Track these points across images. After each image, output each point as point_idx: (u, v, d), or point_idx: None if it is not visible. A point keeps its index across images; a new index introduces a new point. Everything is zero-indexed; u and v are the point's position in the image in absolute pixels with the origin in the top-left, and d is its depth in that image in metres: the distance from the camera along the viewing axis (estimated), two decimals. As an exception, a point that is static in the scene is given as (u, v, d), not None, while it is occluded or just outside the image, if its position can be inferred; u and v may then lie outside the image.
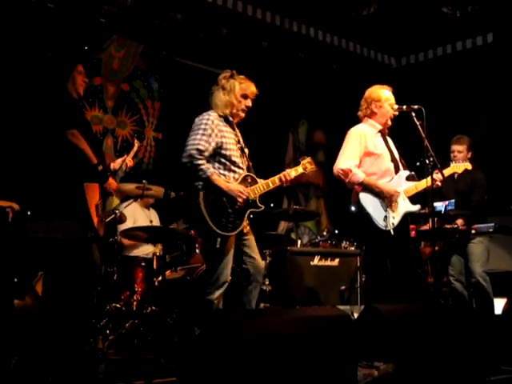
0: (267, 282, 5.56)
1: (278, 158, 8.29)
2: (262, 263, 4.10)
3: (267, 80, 4.36)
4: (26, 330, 3.79)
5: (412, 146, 4.67)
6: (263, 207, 4.01)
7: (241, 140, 4.10)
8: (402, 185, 4.44)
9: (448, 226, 5.34)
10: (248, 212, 3.95)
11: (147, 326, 4.66)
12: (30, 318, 3.88)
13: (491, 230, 5.31)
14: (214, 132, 3.91)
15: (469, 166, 4.92)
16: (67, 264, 3.81)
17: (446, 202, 5.43)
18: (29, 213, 4.06)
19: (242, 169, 4.03)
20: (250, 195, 3.94)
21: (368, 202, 4.32)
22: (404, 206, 4.39)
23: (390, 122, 4.55)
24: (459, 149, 5.49)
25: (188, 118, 6.74)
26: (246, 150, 4.11)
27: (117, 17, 6.42)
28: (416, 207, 4.46)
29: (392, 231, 4.27)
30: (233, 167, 3.98)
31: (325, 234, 6.95)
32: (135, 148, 4.68)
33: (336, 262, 5.65)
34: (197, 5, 6.81)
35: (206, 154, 3.86)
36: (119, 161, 4.56)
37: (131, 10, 6.43)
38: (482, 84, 7.91)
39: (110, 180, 4.29)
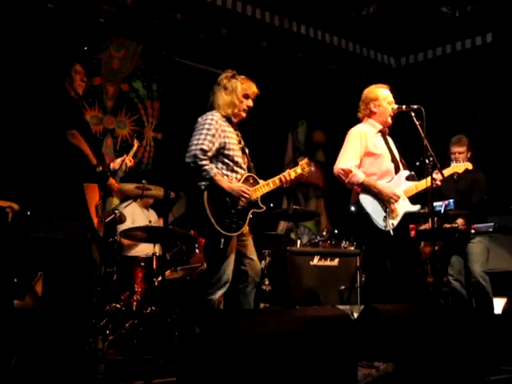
0: (267, 282, 5.56)
1: (278, 158, 8.29)
2: (259, 264, 4.12)
3: (267, 80, 4.36)
4: (26, 330, 3.79)
5: (412, 145, 4.67)
6: (265, 208, 4.03)
7: (242, 140, 4.11)
8: (402, 185, 4.44)
9: (448, 226, 5.34)
10: (250, 212, 3.97)
11: (147, 326, 4.66)
12: (29, 318, 3.88)
13: (491, 229, 5.31)
14: (217, 132, 3.91)
15: (469, 166, 4.92)
16: (67, 264, 3.81)
17: (446, 202, 5.43)
18: (28, 213, 4.05)
19: (244, 169, 4.04)
20: (252, 196, 3.95)
21: (368, 202, 4.32)
22: (404, 206, 4.39)
23: (390, 121, 4.55)
24: (460, 150, 5.49)
25: (187, 118, 6.75)
26: (247, 151, 4.12)
27: (116, 17, 6.42)
28: (416, 207, 4.45)
29: (391, 231, 4.27)
30: (235, 168, 3.99)
31: (324, 233, 6.95)
32: (135, 148, 4.68)
33: (336, 261, 5.65)
34: (196, 5, 6.81)
35: (210, 154, 3.87)
36: (119, 161, 4.56)
37: (131, 10, 6.43)
38: (481, 84, 7.91)
39: (111, 181, 4.29)
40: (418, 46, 8.52)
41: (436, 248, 5.52)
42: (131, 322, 4.67)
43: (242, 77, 4.11)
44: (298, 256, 5.48)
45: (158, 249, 5.13)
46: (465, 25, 7.65)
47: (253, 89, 4.09)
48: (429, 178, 4.24)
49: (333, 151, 4.82)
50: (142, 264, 5.21)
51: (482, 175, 5.61)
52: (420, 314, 3.45)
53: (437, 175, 4.39)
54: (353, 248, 6.16)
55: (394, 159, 4.52)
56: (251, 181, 4.05)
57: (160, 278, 5.01)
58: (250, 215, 3.96)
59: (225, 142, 3.94)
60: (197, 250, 5.41)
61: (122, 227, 5.33)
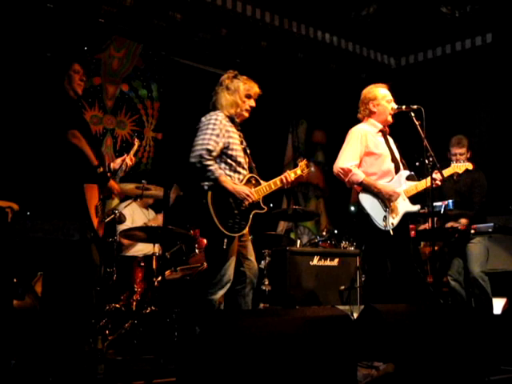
0: (267, 282, 5.57)
1: (278, 158, 8.29)
2: (256, 266, 4.14)
3: (266, 80, 4.36)
4: (26, 330, 3.78)
5: (411, 146, 4.67)
6: (266, 209, 4.04)
7: (244, 141, 4.11)
8: (402, 185, 4.44)
9: (454, 225, 5.33)
10: (252, 213, 3.97)
11: (147, 326, 4.65)
12: (29, 318, 3.88)
13: (491, 229, 5.31)
14: (221, 132, 3.92)
15: (469, 166, 4.91)
16: (67, 264, 3.80)
17: (445, 202, 5.43)
18: (28, 213, 4.05)
19: (246, 170, 4.06)
20: (255, 197, 3.96)
21: (368, 202, 4.32)
22: (404, 206, 4.39)
23: (390, 119, 4.54)
24: (461, 151, 5.48)
25: (187, 118, 6.79)
26: (248, 151, 4.13)
27: (116, 17, 6.42)
28: (416, 207, 4.46)
29: (391, 231, 4.27)
30: (238, 168, 4.00)
31: (324, 234, 6.94)
32: (135, 147, 4.68)
33: (335, 262, 5.65)
34: (196, 5, 6.80)
35: (214, 154, 3.88)
36: (119, 160, 4.55)
37: (131, 10, 6.42)
38: (481, 84, 7.92)
39: (112, 183, 4.28)
40: (418, 46, 8.52)
41: (436, 248, 5.52)
42: (131, 322, 4.67)
43: (244, 77, 4.13)
44: (297, 256, 5.48)
45: (157, 249, 5.13)
46: (465, 25, 7.65)
47: (255, 89, 4.11)
48: (429, 178, 4.24)
49: (333, 151, 4.82)
50: (142, 264, 5.21)
51: (481, 175, 5.61)
52: (420, 314, 3.45)
53: (436, 175, 4.40)
54: (352, 248, 6.16)
55: (394, 159, 4.52)
56: (253, 181, 4.06)
57: (160, 278, 5.01)
58: (252, 216, 3.97)
59: (228, 142, 3.95)
60: (196, 250, 5.41)
61: (121, 227, 5.34)
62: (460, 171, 4.94)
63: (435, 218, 5.30)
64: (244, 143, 4.11)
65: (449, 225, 5.38)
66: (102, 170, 4.13)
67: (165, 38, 6.90)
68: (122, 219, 5.09)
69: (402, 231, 4.37)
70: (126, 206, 5.33)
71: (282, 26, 7.62)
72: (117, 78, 6.83)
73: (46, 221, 3.48)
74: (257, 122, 4.30)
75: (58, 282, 3.86)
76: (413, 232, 5.32)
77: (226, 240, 3.82)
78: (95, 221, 4.08)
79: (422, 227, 5.64)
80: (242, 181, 4.00)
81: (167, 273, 5.20)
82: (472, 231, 5.30)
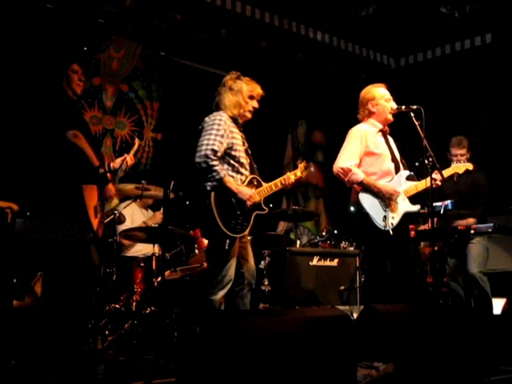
0: (266, 283, 5.57)
1: (277, 159, 8.29)
2: (254, 267, 4.15)
3: (266, 80, 4.36)
4: (26, 330, 3.78)
5: (411, 146, 4.67)
6: (267, 210, 4.06)
7: (245, 142, 4.12)
8: (402, 185, 4.44)
9: (463, 223, 5.34)
10: (254, 214, 3.99)
11: (146, 326, 4.65)
12: (29, 319, 3.88)
13: (490, 230, 5.31)
14: (225, 132, 3.93)
15: (470, 166, 4.90)
16: (66, 265, 3.80)
17: (445, 202, 5.44)
18: (28, 213, 4.05)
19: (248, 171, 4.06)
20: (257, 198, 3.97)
21: (367, 202, 4.32)
22: (404, 206, 4.39)
23: (390, 117, 4.52)
24: (462, 152, 5.49)
25: (187, 118, 6.79)
26: (249, 152, 4.14)
27: (116, 17, 6.42)
28: (416, 207, 4.45)
29: (391, 231, 4.27)
30: (240, 169, 4.01)
31: (324, 234, 6.94)
32: (136, 146, 4.67)
33: (335, 262, 5.65)
34: (196, 5, 6.80)
35: (219, 154, 3.89)
36: (119, 160, 4.55)
37: (130, 10, 6.42)
38: (480, 84, 7.92)
39: (110, 186, 4.28)
40: (418, 46, 8.52)
41: (436, 248, 5.53)
42: (131, 322, 4.66)
43: (247, 78, 4.16)
44: (297, 256, 5.48)
45: (157, 249, 5.13)
46: (464, 25, 7.65)
47: (258, 90, 4.13)
48: (428, 179, 4.24)
49: (332, 151, 4.82)
50: (142, 264, 5.21)
51: (482, 176, 5.62)
52: (420, 315, 3.45)
53: (436, 175, 4.39)
54: (352, 248, 6.16)
55: (394, 159, 4.52)
56: (255, 183, 4.09)
57: (159, 279, 5.01)
58: (253, 217, 3.98)
59: (232, 143, 3.96)
60: (196, 251, 5.41)
61: (121, 227, 5.33)
62: (460, 171, 4.94)
63: (435, 219, 5.30)
64: (246, 144, 4.12)
65: (457, 223, 5.38)
66: (103, 170, 4.13)
67: (164, 38, 6.89)
68: (121, 219, 5.10)
69: (401, 231, 4.36)
70: (125, 207, 5.33)
71: (282, 26, 7.62)
72: (116, 78, 6.83)
73: (46, 221, 3.48)
74: (256, 123, 4.31)
75: (57, 283, 3.86)
76: (412, 232, 5.32)
77: (228, 240, 3.84)
78: (94, 221, 4.07)
79: (422, 227, 5.64)
80: (244, 182, 4.02)
81: (167, 273, 5.19)
82: (472, 231, 5.31)
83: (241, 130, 4.11)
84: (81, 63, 4.36)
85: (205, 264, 5.20)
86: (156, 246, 5.12)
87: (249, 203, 3.93)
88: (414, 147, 4.57)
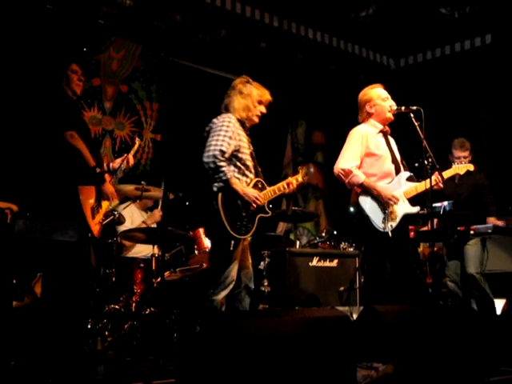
0: (266, 283, 5.57)
1: (277, 159, 8.28)
2: (252, 270, 4.18)
3: (266, 81, 4.37)
4: (26, 331, 3.78)
5: (411, 147, 4.67)
6: (271, 213, 4.09)
7: (251, 145, 4.16)
8: (402, 186, 4.43)
9: (497, 222, 5.37)
10: (258, 217, 4.02)
11: (146, 327, 4.65)
12: (29, 319, 3.88)
13: (490, 230, 5.32)
14: (233, 134, 3.97)
15: (471, 167, 4.89)
16: (66, 265, 3.80)
17: (445, 203, 5.44)
18: (28, 214, 4.05)
19: (253, 174, 4.10)
20: (262, 200, 4.00)
21: (367, 203, 4.32)
22: (403, 208, 4.38)
23: (390, 116, 4.50)
24: (465, 154, 5.49)
25: (186, 119, 6.78)
26: (254, 155, 4.18)
27: (116, 18, 6.42)
28: (415, 209, 4.45)
29: (390, 233, 4.27)
30: (246, 171, 4.05)
31: (323, 235, 6.94)
32: (136, 146, 4.67)
33: (335, 263, 5.64)
34: (195, 6, 6.81)
35: (227, 155, 3.92)
36: (119, 160, 4.55)
37: (130, 11, 6.42)
38: (480, 85, 7.92)
39: (109, 186, 4.27)
40: (417, 47, 8.52)
41: (435, 249, 5.53)
42: (130, 323, 4.66)
43: (256, 83, 4.21)
44: (297, 257, 5.47)
45: (157, 250, 5.13)
46: (464, 26, 7.66)
47: (266, 96, 4.19)
48: (428, 180, 4.24)
49: (332, 152, 4.82)
50: (141, 265, 5.21)
51: (483, 176, 5.64)
52: (419, 315, 3.45)
53: (437, 177, 4.39)
54: (352, 249, 6.16)
55: (394, 160, 4.51)
56: (259, 186, 4.13)
57: (159, 279, 5.01)
58: (257, 220, 4.02)
59: (239, 145, 4.00)
60: (196, 251, 5.41)
61: (121, 228, 5.33)
62: (461, 172, 4.92)
63: (435, 220, 5.31)
64: (251, 147, 4.15)
65: (491, 220, 5.42)
66: (99, 170, 4.13)
67: (164, 39, 6.90)
68: (121, 220, 5.09)
69: (401, 232, 4.36)
70: (125, 207, 5.33)
71: (282, 27, 7.63)
72: (116, 79, 6.82)
73: (46, 222, 3.48)
74: (256, 123, 4.32)
75: (57, 283, 3.86)
76: (412, 233, 5.32)
77: (232, 241, 3.88)
78: (91, 222, 4.07)
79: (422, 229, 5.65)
80: (248, 184, 4.06)
81: (166, 274, 5.19)
82: (471, 232, 5.32)
83: (247, 134, 4.15)
84: (80, 64, 4.37)
85: (204, 264, 5.20)
86: (156, 246, 5.12)
87: (254, 205, 3.97)
88: (413, 148, 4.57)
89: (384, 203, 4.31)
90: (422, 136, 4.28)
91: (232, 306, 4.06)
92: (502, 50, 7.59)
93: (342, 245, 6.27)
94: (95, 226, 4.17)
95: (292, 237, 7.30)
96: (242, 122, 4.09)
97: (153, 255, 5.13)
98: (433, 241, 4.90)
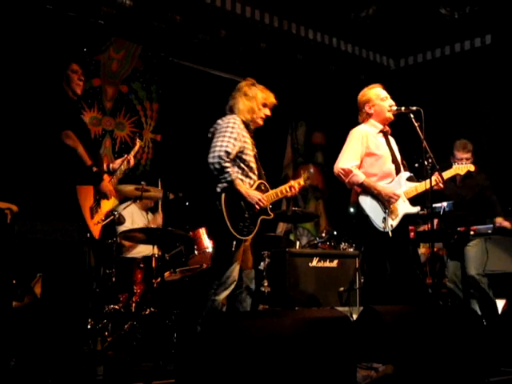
0: (266, 284, 5.57)
1: (277, 160, 8.28)
2: (253, 271, 4.20)
3: (266, 81, 4.39)
4: (25, 331, 3.78)
5: (411, 147, 4.67)
6: (273, 215, 4.11)
7: (254, 147, 4.18)
8: (402, 186, 4.43)
9: (504, 223, 5.38)
10: (260, 219, 4.04)
11: (146, 327, 4.65)
12: (29, 319, 3.88)
13: (490, 231, 5.32)
14: (238, 136, 4.00)
15: (471, 168, 4.87)
16: (66, 265, 3.80)
17: (445, 204, 5.44)
18: (28, 214, 4.04)
19: (256, 176, 4.12)
20: (265, 203, 4.02)
21: (367, 203, 4.32)
22: (404, 208, 4.38)
23: (390, 116, 4.49)
24: (467, 156, 5.48)
25: (186, 119, 6.78)
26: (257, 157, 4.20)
27: (116, 18, 6.41)
28: (415, 209, 4.45)
29: (390, 233, 4.27)
30: (249, 173, 4.08)
31: (323, 235, 6.94)
32: (137, 147, 4.67)
33: (335, 263, 5.64)
34: (195, 6, 6.80)
35: (231, 156, 3.94)
36: (119, 161, 4.55)
37: (130, 11, 6.42)
38: (480, 85, 7.92)
39: (107, 185, 4.27)
40: (417, 47, 8.52)
41: (435, 249, 5.53)
42: (130, 323, 4.66)
43: (261, 86, 4.24)
44: (297, 257, 5.47)
45: (157, 250, 5.13)
46: (464, 26, 7.66)
47: (271, 99, 4.23)
48: (428, 180, 4.24)
49: (332, 152, 4.83)
50: (141, 265, 5.21)
51: (484, 177, 5.64)
52: (419, 316, 3.45)
53: (437, 177, 4.38)
54: (352, 249, 6.16)
55: (395, 160, 4.51)
56: (262, 188, 4.17)
57: (159, 280, 5.01)
58: (259, 221, 4.04)
59: (244, 147, 4.03)
60: (196, 252, 5.41)
61: (121, 228, 5.33)
62: (462, 173, 4.91)
63: (435, 220, 5.31)
64: (255, 150, 4.17)
65: (499, 220, 5.42)
66: (96, 169, 4.12)
67: (164, 39, 6.89)
68: (121, 220, 5.09)
69: (401, 233, 4.36)
70: (125, 208, 5.33)
71: (282, 27, 7.62)
72: (116, 79, 6.82)
73: (46, 222, 3.48)
74: (261, 125, 4.34)
75: (57, 284, 3.86)
76: (412, 233, 5.32)
77: (234, 242, 3.90)
78: (90, 222, 4.07)
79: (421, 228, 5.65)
80: (252, 186, 4.09)
81: (166, 274, 5.19)
82: (472, 232, 5.32)
83: (251, 136, 4.16)
84: (80, 64, 4.36)
85: (204, 265, 5.20)
86: (156, 247, 5.12)
87: (257, 207, 3.99)
88: (413, 148, 4.57)
89: (385, 202, 4.31)
90: (421, 136, 4.28)
91: (232, 307, 4.06)
92: (502, 50, 7.59)
93: (342, 245, 6.27)
94: (94, 226, 4.16)
95: (292, 237, 7.30)
96: (246, 124, 4.13)
97: (152, 255, 5.13)
98: (432, 241, 4.90)
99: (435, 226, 5.47)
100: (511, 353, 4.09)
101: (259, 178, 4.17)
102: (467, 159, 5.44)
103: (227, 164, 3.89)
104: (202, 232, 5.40)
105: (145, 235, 5.08)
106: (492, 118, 7.84)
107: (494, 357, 3.88)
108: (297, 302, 5.24)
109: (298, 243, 6.46)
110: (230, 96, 4.22)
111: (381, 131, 4.54)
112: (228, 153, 3.89)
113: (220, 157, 3.87)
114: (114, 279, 5.06)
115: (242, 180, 4.00)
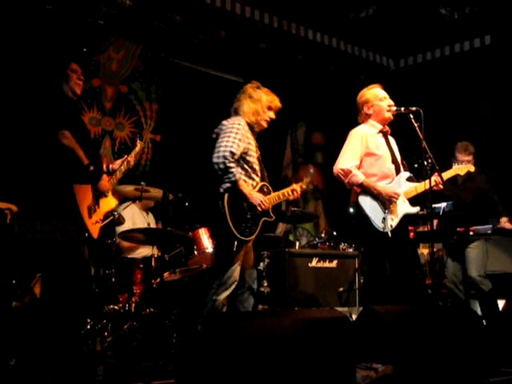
0: (266, 284, 5.57)
1: (276, 160, 8.28)
2: (255, 271, 4.22)
3: (265, 82, 4.39)
4: (25, 331, 3.78)
5: (410, 147, 4.67)
6: (274, 218, 4.13)
7: (258, 149, 4.19)
8: (402, 186, 4.43)
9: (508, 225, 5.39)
10: (262, 220, 4.06)
11: (146, 327, 4.65)
12: (28, 319, 3.88)
13: (489, 231, 5.32)
14: (243, 137, 4.03)
15: (471, 168, 4.87)
16: (66, 265, 3.80)
17: (444, 204, 5.44)
18: (27, 214, 4.04)
19: (259, 177, 4.13)
20: (267, 205, 4.04)
21: (367, 203, 4.31)
22: (403, 208, 4.38)
23: (389, 116, 4.48)
24: (468, 158, 5.48)
25: (186, 120, 6.78)
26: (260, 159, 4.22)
27: (115, 18, 6.42)
28: (415, 209, 4.44)
29: (390, 233, 4.27)
30: (253, 175, 4.11)
31: (323, 235, 6.95)
32: (137, 148, 4.67)
33: (334, 263, 5.64)
34: (195, 6, 6.81)
35: (236, 157, 3.97)
36: (119, 161, 4.55)
37: (130, 11, 6.42)
38: (480, 86, 7.92)
39: (104, 182, 4.26)
40: (417, 47, 8.53)
41: (435, 249, 5.53)
42: (130, 323, 4.66)
43: (266, 89, 4.28)
44: (296, 258, 5.47)
45: (156, 251, 5.12)
46: (463, 27, 7.67)
47: (276, 102, 4.28)
48: (428, 181, 4.23)
49: (332, 153, 4.83)
50: (141, 266, 5.20)
51: (484, 178, 5.65)
52: (419, 316, 3.45)
53: (437, 178, 4.38)
54: (351, 250, 6.16)
55: (394, 160, 4.51)
56: (265, 190, 4.20)
57: (158, 280, 5.01)
58: (261, 223, 4.06)
59: (248, 148, 4.06)
60: (195, 252, 5.40)
61: (121, 229, 5.32)
62: (462, 173, 4.90)
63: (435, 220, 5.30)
64: (258, 152, 4.19)
65: (503, 220, 5.42)
66: (92, 168, 4.11)
67: (164, 39, 6.90)
68: (120, 221, 5.09)
69: (401, 233, 4.36)
70: (125, 208, 5.33)
71: (281, 27, 7.63)
72: (116, 79, 6.82)
73: (45, 222, 3.48)
74: (265, 128, 4.36)
75: (57, 284, 3.86)
76: (412, 234, 5.32)
77: (236, 242, 3.91)
78: (88, 222, 4.06)
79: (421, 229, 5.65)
80: (254, 187, 4.11)
81: (166, 274, 5.19)
82: (471, 233, 5.32)
83: (255, 138, 4.19)
84: (80, 64, 4.36)
85: (204, 265, 5.20)
86: (155, 247, 5.12)
87: (259, 208, 4.00)
88: (413, 149, 4.57)
89: (385, 201, 4.30)
90: (421, 137, 4.27)
91: (233, 307, 4.07)
92: (501, 50, 7.60)
93: (342, 245, 6.27)
94: (92, 225, 4.15)
95: (291, 237, 7.31)
96: (250, 126, 4.16)
97: (152, 255, 5.13)
98: (432, 242, 4.89)
99: (435, 227, 5.47)
100: (511, 353, 4.09)
101: (262, 179, 4.19)
102: (468, 161, 5.43)
103: (232, 164, 3.91)
104: (202, 232, 5.39)
105: (144, 235, 5.08)
106: (491, 118, 7.84)
107: (494, 357, 3.88)
108: (296, 302, 5.24)
109: (297, 243, 6.46)
110: (235, 98, 4.25)
111: (380, 131, 4.53)
112: (233, 153, 3.91)
113: (225, 157, 3.89)
114: (113, 279, 5.06)
115: (244, 181, 4.02)
